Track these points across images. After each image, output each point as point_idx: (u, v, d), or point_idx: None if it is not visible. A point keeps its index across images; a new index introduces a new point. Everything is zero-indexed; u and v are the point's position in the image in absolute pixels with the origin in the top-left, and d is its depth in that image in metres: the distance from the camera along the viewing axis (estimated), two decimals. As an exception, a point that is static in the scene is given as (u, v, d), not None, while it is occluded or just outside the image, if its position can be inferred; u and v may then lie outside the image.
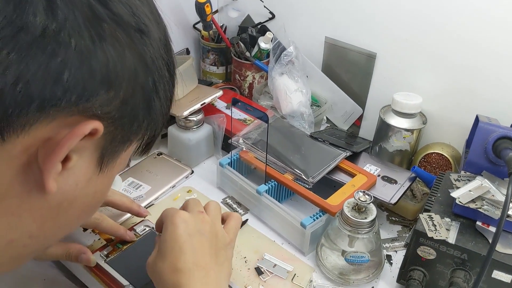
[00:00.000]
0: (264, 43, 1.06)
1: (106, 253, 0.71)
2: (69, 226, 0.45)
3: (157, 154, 0.97)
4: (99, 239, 0.75)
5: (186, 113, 0.90)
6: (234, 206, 0.87)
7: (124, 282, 0.66)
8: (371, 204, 0.70)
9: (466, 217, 0.69)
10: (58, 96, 0.34)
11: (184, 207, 0.64)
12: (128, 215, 0.80)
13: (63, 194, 0.40)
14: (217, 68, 1.17)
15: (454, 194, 0.69)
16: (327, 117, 1.10)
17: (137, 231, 0.76)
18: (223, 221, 0.65)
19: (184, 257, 0.56)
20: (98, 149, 0.40)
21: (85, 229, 0.77)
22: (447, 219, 0.68)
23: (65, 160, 0.37)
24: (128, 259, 0.71)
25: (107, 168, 0.43)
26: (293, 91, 0.91)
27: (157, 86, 0.43)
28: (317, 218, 0.76)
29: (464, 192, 0.69)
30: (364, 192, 0.70)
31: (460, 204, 0.67)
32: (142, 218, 0.78)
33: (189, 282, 0.54)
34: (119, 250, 0.72)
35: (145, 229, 0.76)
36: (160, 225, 0.62)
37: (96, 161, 0.41)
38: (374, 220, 0.69)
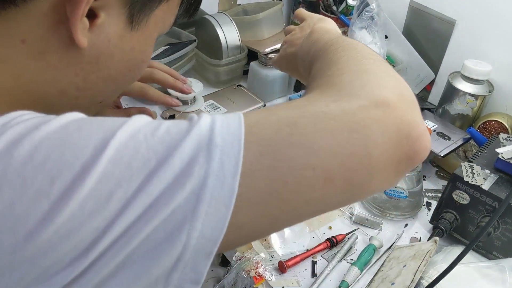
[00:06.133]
0: (351, 0, 1.13)
1: (168, 114, 0.85)
2: (114, 81, 0.49)
3: (237, 86, 1.08)
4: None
5: (267, 50, 1.01)
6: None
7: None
8: (417, 146, 0.76)
9: (505, 172, 0.73)
10: None
11: None
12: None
13: (98, 49, 0.43)
14: (304, 20, 1.25)
15: (499, 150, 0.74)
16: (399, 80, 1.15)
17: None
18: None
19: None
20: (125, 6, 0.42)
21: None
22: (487, 171, 0.73)
23: (93, 17, 0.41)
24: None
25: (140, 26, 0.45)
26: (368, 43, 0.98)
27: None
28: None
29: (509, 149, 0.73)
30: (412, 134, 0.76)
31: (503, 159, 0.72)
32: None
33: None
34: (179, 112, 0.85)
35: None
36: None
37: (126, 18, 0.43)
38: (417, 161, 0.76)
